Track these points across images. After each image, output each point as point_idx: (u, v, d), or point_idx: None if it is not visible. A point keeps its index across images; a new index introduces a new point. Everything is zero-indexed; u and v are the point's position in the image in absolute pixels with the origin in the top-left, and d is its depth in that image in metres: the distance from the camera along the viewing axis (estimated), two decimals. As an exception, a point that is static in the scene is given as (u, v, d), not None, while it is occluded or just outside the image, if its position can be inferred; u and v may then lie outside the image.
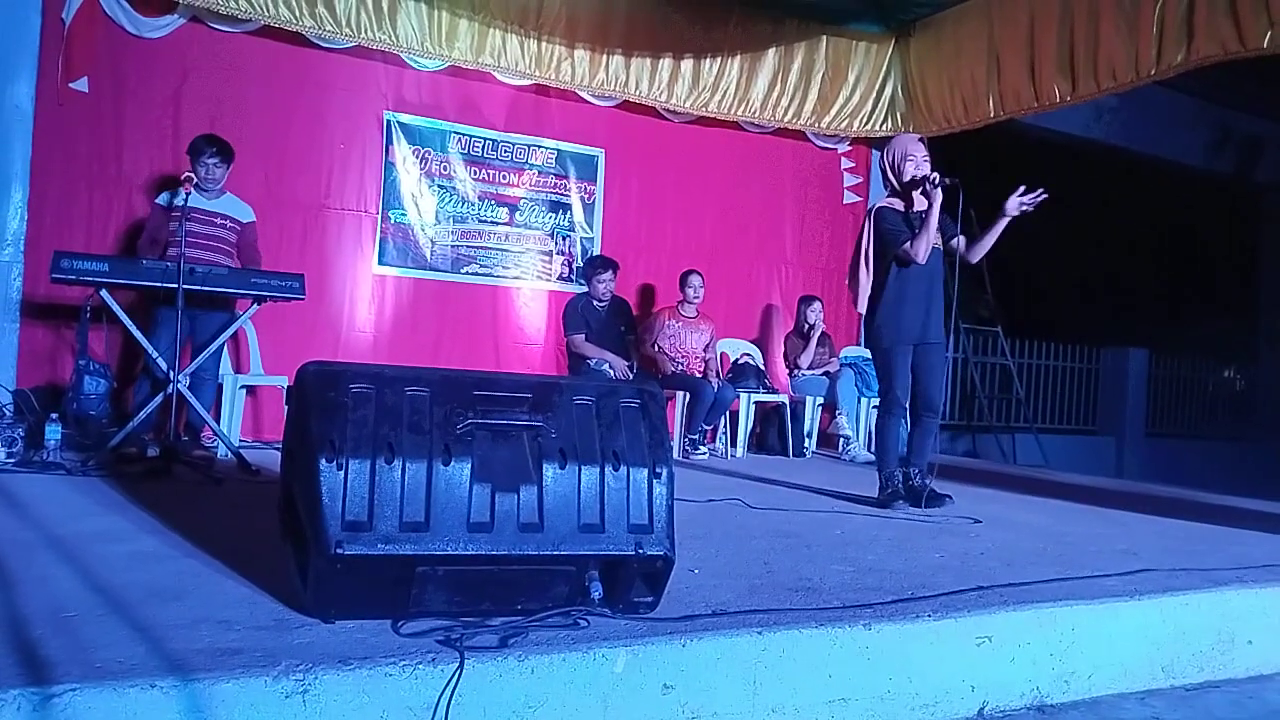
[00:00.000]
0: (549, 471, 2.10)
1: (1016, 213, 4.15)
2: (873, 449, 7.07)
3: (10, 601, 2.06)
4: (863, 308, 4.37)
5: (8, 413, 4.84)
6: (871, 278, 4.32)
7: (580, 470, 2.12)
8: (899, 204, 4.36)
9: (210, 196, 5.00)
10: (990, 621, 2.41)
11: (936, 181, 4.14)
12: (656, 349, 6.73)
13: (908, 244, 4.20)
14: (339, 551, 1.91)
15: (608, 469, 2.14)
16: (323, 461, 1.95)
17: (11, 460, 4.26)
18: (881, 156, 4.50)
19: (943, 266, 4.34)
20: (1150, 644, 2.64)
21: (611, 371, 6.41)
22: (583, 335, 6.50)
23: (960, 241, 4.32)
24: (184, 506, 3.44)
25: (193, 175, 4.70)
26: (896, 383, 4.30)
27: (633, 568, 2.11)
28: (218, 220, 4.99)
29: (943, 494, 4.27)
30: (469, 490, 2.03)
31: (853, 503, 4.47)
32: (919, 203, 4.27)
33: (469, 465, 2.04)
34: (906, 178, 4.29)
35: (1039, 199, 4.11)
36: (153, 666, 1.69)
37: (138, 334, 4.55)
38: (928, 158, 4.28)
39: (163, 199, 4.99)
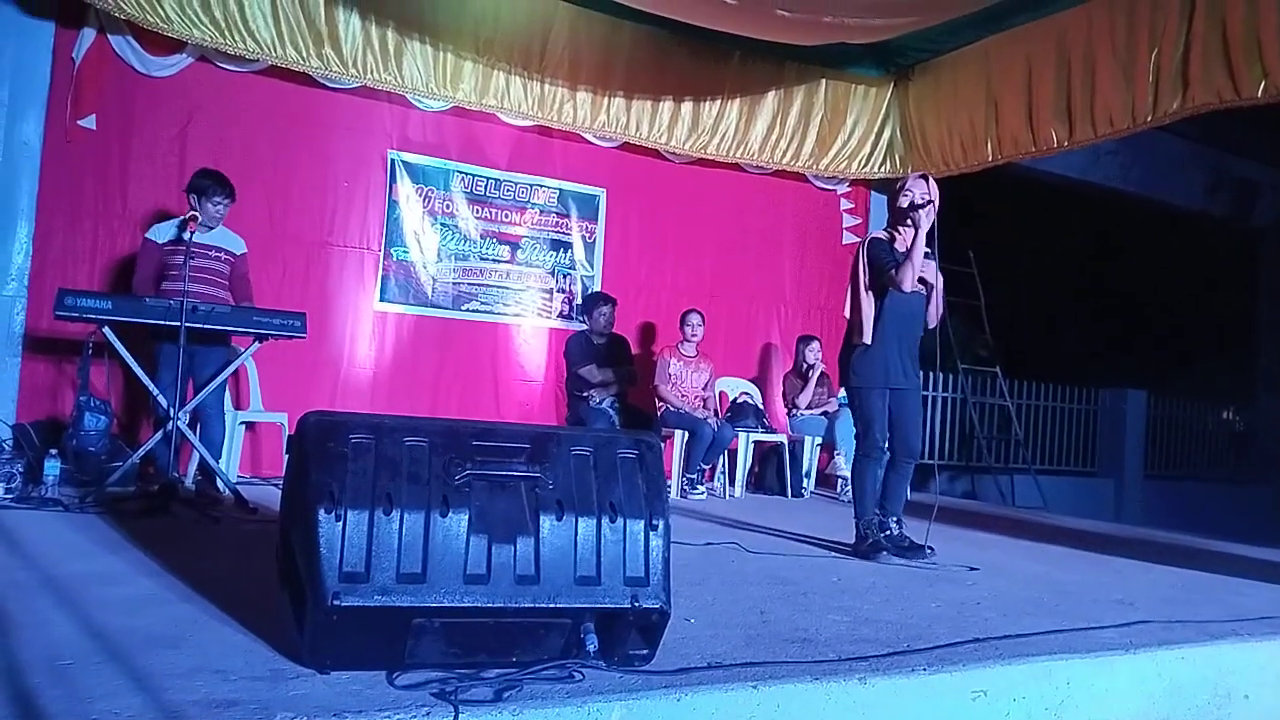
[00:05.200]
0: (546, 523, 2.11)
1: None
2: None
3: (7, 648, 2.06)
4: (869, 337, 4.25)
5: (7, 448, 4.86)
6: (873, 307, 4.28)
7: (577, 521, 2.13)
8: (888, 235, 4.37)
9: (204, 230, 5.01)
10: (985, 675, 2.41)
11: (916, 205, 4.14)
12: (656, 388, 6.75)
13: (893, 270, 4.19)
14: (336, 603, 1.91)
15: (604, 520, 2.15)
16: (321, 512, 1.97)
17: (10, 496, 4.26)
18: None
19: (921, 312, 4.32)
20: (1146, 699, 2.63)
21: (609, 394, 6.45)
22: (594, 365, 6.53)
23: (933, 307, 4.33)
24: (181, 547, 3.44)
25: (197, 214, 4.75)
26: (875, 426, 4.25)
27: (628, 620, 2.11)
28: (213, 253, 4.98)
29: (920, 544, 4.15)
30: (466, 542, 2.04)
31: (842, 553, 4.34)
32: (906, 236, 4.24)
33: (466, 516, 2.06)
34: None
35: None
36: (149, 718, 1.70)
37: (139, 371, 4.57)
38: (927, 195, 4.20)
39: (156, 234, 4.96)
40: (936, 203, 4.19)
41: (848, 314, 4.45)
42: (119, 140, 5.68)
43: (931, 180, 4.29)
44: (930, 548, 4.14)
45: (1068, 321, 12.76)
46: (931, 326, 4.36)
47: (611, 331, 6.71)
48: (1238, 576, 4.20)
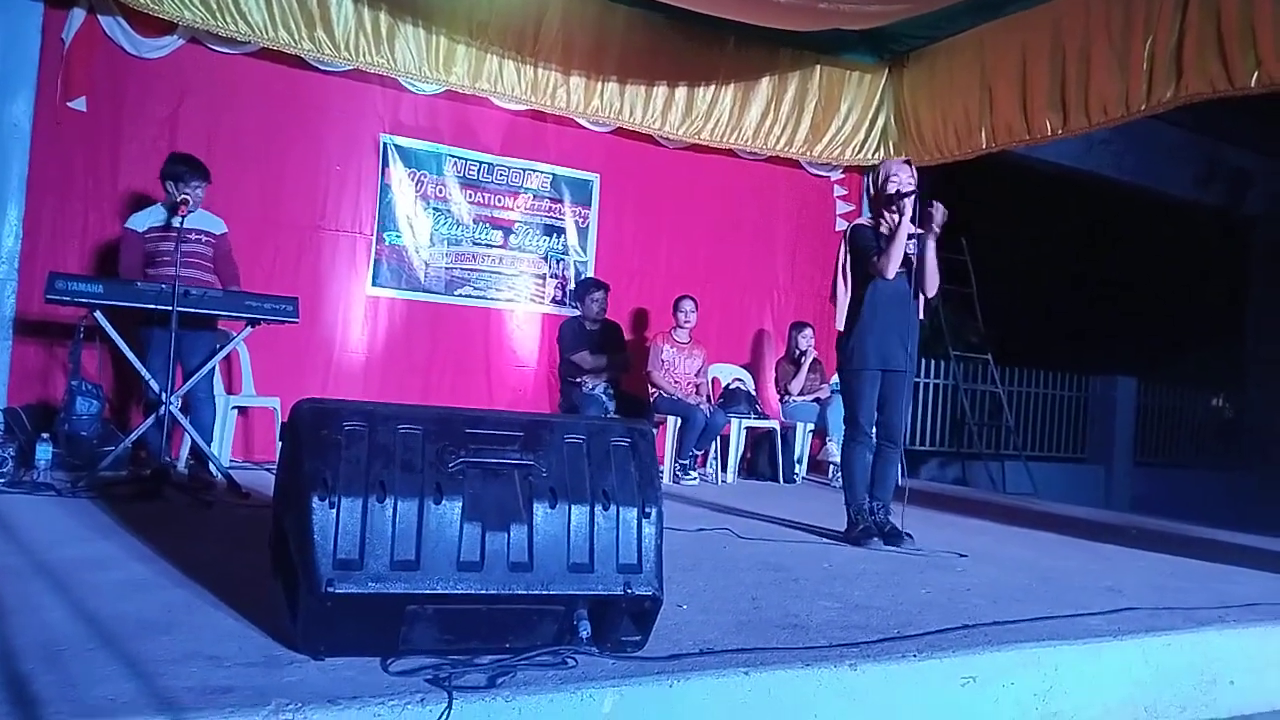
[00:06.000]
0: (539, 510, 2.12)
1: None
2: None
3: (0, 633, 2.06)
4: (842, 324, 4.36)
5: (-1, 431, 4.84)
6: (849, 295, 4.34)
7: (570, 509, 2.14)
8: (873, 222, 4.39)
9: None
10: (975, 662, 2.43)
11: (903, 193, 4.15)
12: (649, 374, 6.76)
13: (876, 258, 4.20)
14: (330, 590, 1.92)
15: (597, 508, 2.15)
16: (315, 499, 1.97)
17: (1, 480, 4.26)
18: (867, 179, 4.52)
19: (913, 296, 4.30)
20: (1133, 684, 2.66)
21: (602, 380, 6.46)
22: (586, 351, 6.54)
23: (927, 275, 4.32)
24: (174, 531, 3.44)
25: (189, 198, 4.71)
26: (861, 409, 4.27)
27: (621, 607, 2.12)
28: (194, 235, 4.89)
29: (904, 532, 4.18)
30: (459, 529, 2.04)
31: (833, 540, 4.33)
32: (893, 222, 4.23)
33: (460, 504, 2.06)
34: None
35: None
36: (143, 705, 1.70)
37: (131, 356, 4.55)
38: (913, 179, 4.24)
39: (135, 223, 4.91)
40: (915, 188, 4.23)
41: (830, 298, 4.48)
42: (109, 122, 5.64)
43: (912, 165, 4.34)
44: (909, 535, 4.17)
45: (1059, 309, 12.78)
46: (930, 294, 4.33)
47: (604, 317, 6.71)
48: (1225, 563, 4.23)
